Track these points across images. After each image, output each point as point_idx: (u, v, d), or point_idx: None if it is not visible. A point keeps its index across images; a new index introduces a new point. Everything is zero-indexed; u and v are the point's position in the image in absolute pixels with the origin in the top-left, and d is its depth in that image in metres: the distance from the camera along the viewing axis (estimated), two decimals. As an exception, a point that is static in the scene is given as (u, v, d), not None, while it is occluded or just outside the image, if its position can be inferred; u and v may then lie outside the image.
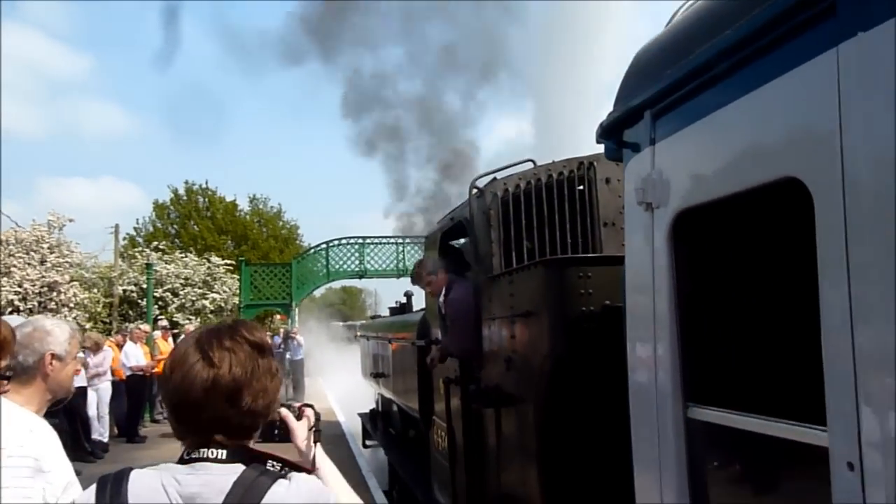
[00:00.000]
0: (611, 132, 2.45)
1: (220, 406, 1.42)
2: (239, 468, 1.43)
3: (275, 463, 1.50)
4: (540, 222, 4.43)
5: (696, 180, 2.01)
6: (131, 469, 1.45)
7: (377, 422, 10.50)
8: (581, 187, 4.53)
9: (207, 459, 1.43)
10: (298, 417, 1.74)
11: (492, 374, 4.31)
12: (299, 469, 1.54)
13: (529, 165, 4.61)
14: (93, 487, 1.44)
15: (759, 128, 1.73)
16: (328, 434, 12.82)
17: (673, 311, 2.08)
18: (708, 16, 2.06)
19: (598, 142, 2.53)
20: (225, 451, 1.44)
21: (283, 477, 1.43)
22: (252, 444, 1.54)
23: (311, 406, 1.77)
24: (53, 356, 2.39)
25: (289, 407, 1.74)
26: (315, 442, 1.71)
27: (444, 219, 5.89)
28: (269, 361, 1.52)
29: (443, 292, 4.97)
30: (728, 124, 1.86)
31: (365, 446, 11.22)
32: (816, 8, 1.54)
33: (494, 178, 4.53)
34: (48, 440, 2.21)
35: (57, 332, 2.45)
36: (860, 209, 1.42)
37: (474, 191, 4.59)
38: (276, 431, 1.71)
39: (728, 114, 1.85)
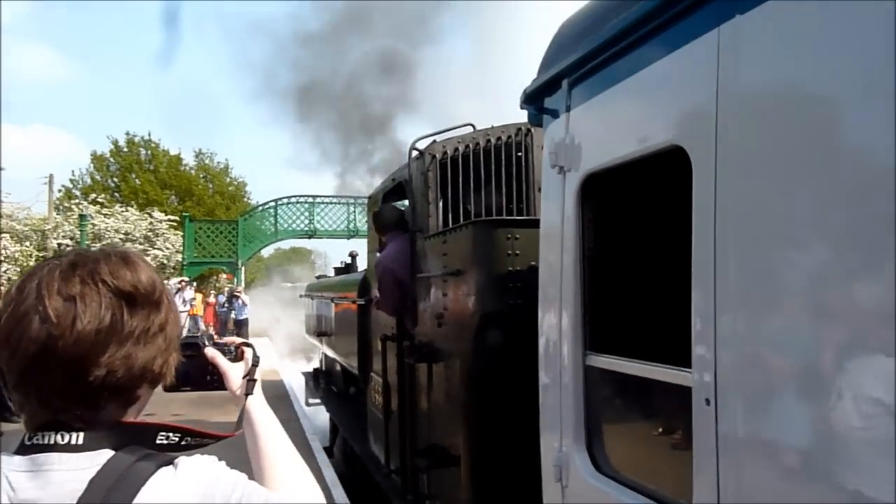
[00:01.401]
0: (533, 99, 2.61)
1: (56, 377, 1.04)
2: (104, 456, 1.06)
3: (171, 436, 1.17)
4: (477, 185, 4.59)
5: (601, 146, 2.19)
6: None
7: (320, 380, 10.68)
8: (519, 153, 4.70)
9: (55, 448, 1.05)
10: (237, 359, 1.45)
11: (425, 331, 4.49)
12: (212, 438, 1.26)
13: (469, 129, 4.75)
14: None
15: (652, 99, 1.91)
16: (272, 394, 12.98)
17: (578, 267, 2.28)
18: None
19: (521, 107, 2.69)
20: (82, 435, 1.06)
21: (170, 463, 1.10)
22: (137, 412, 1.19)
23: (250, 346, 1.49)
24: None
25: (223, 346, 1.47)
26: (247, 392, 1.39)
27: (386, 179, 6.00)
28: (148, 316, 1.12)
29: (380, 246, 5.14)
30: (629, 95, 2.03)
31: (308, 404, 11.40)
32: (702, -8, 1.71)
33: (434, 141, 4.66)
34: None
35: None
36: (728, 177, 1.61)
37: (414, 152, 4.71)
38: (210, 377, 1.44)
39: (629, 85, 2.02)
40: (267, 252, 42.67)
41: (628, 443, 2.34)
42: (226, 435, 1.32)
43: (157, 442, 1.15)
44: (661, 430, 2.22)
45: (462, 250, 3.83)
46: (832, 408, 1.35)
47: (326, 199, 27.74)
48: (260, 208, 28.76)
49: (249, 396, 1.39)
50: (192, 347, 1.42)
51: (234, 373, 1.42)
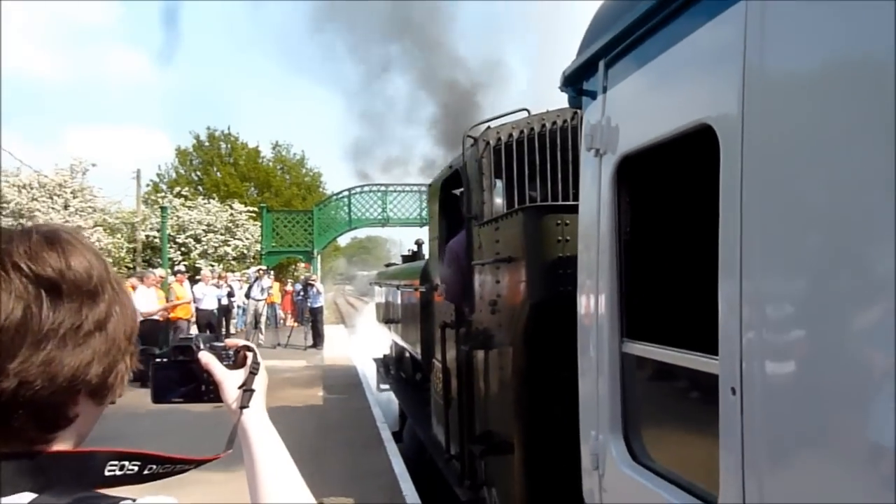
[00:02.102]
0: (572, 81, 2.57)
1: None
2: (21, 501, 0.81)
3: (127, 465, 0.90)
4: (532, 171, 4.56)
5: (635, 127, 2.13)
6: None
7: (389, 366, 10.87)
8: (575, 137, 4.62)
9: None
10: (237, 364, 1.27)
11: (480, 318, 4.51)
12: (188, 463, 1.00)
13: (524, 115, 4.71)
14: None
15: (681, 77, 1.85)
16: (345, 382, 13.23)
17: (614, 252, 2.24)
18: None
19: (560, 90, 2.65)
20: None
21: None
22: (78, 438, 0.92)
23: (251, 349, 1.29)
24: None
25: (221, 350, 1.28)
26: (242, 405, 1.19)
27: (444, 167, 6.03)
28: (79, 310, 0.88)
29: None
30: (660, 74, 1.98)
31: (379, 390, 11.65)
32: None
33: (488, 127, 4.65)
34: None
35: None
36: (754, 157, 1.55)
37: (468, 140, 4.71)
38: (206, 387, 1.26)
39: (660, 64, 1.97)
40: (343, 241, 43.67)
41: (665, 432, 2.29)
42: (207, 459, 1.06)
43: (108, 474, 0.88)
44: (696, 419, 2.17)
45: (513, 237, 3.82)
46: (860, 398, 1.29)
47: (399, 188, 28.03)
48: (334, 198, 29.26)
49: (245, 410, 1.18)
50: (184, 351, 1.27)
51: (230, 382, 1.23)
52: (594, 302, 2.35)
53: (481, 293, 4.54)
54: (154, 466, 0.94)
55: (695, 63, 1.80)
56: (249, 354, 1.27)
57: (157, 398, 1.26)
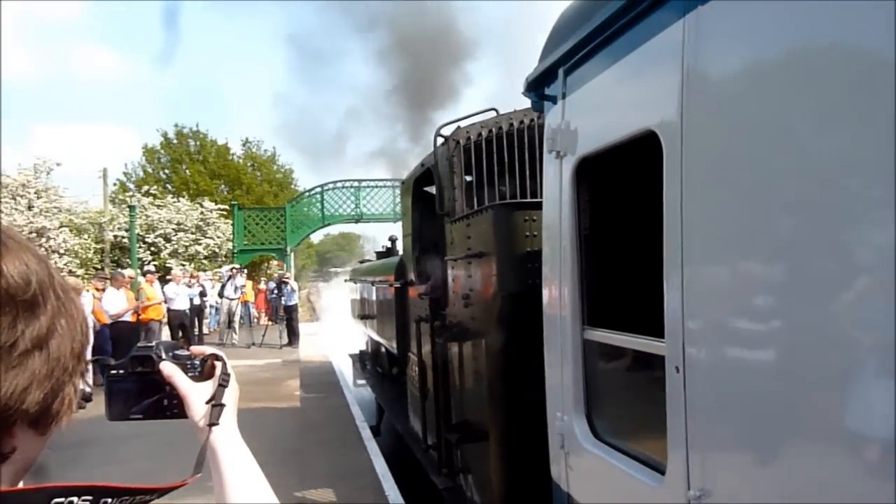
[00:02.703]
0: (534, 87, 2.76)
1: None
2: None
3: (76, 501, 0.75)
4: (500, 169, 4.75)
5: (591, 131, 2.33)
6: None
7: (365, 362, 11.03)
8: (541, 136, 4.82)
9: None
10: (203, 376, 1.16)
11: (454, 312, 4.70)
12: (150, 493, 0.84)
13: (493, 114, 4.90)
14: None
15: (630, 87, 2.05)
16: (322, 380, 13.29)
17: (575, 246, 2.44)
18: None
19: (523, 94, 2.84)
20: None
21: None
22: (15, 475, 0.79)
23: (220, 358, 1.19)
24: None
25: (186, 360, 1.17)
26: (210, 422, 1.09)
27: (416, 166, 6.20)
28: (13, 324, 0.74)
29: None
30: (613, 83, 2.18)
31: (356, 385, 11.79)
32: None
33: (458, 127, 4.83)
34: None
35: None
36: (693, 160, 1.75)
37: (439, 139, 4.89)
38: (168, 401, 1.15)
39: (613, 73, 2.16)
40: (317, 238, 43.57)
41: (623, 410, 2.50)
42: (172, 486, 0.90)
43: None
44: (648, 397, 2.38)
45: (483, 233, 4.01)
46: (790, 375, 1.50)
47: (372, 183, 28.05)
48: (307, 194, 29.18)
49: (214, 427, 1.08)
50: (143, 362, 1.15)
51: (196, 396, 1.11)
52: (557, 293, 2.55)
53: (454, 287, 4.73)
54: (109, 500, 0.80)
55: (642, 73, 2.00)
56: (218, 364, 1.17)
57: (112, 415, 1.15)
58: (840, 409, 1.36)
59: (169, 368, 1.13)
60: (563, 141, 2.47)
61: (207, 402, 1.10)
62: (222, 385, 1.13)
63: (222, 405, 1.11)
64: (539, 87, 2.73)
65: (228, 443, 1.08)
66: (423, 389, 5.62)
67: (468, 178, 4.79)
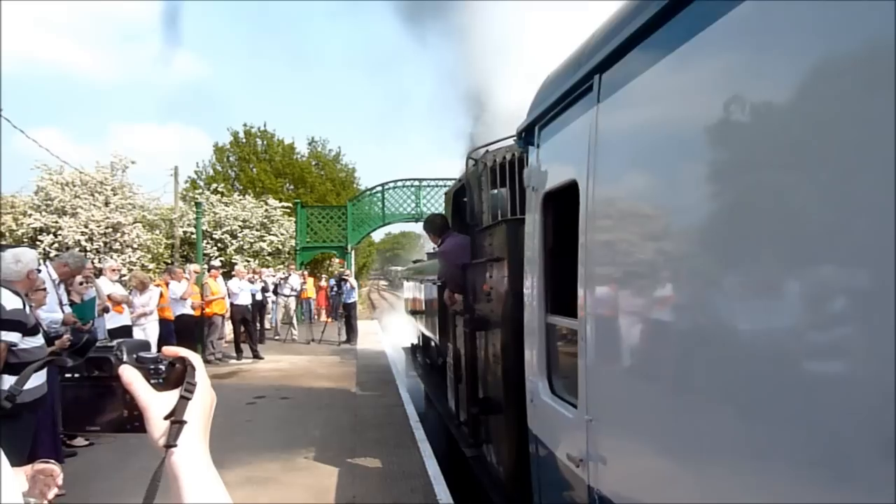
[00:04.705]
0: (521, 136, 3.86)
1: None
2: None
3: None
4: (521, 187, 5.84)
5: (551, 174, 3.41)
6: None
7: (416, 354, 12.25)
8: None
9: None
10: (168, 383, 1.05)
11: (479, 306, 5.81)
12: None
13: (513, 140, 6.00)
14: None
15: (570, 146, 3.13)
16: (375, 378, 14.07)
17: (542, 256, 3.52)
18: (570, 60, 3.41)
19: (515, 141, 3.94)
20: None
21: None
22: None
23: (186, 362, 1.07)
24: None
25: (150, 363, 1.07)
26: (168, 442, 0.97)
27: (456, 180, 7.36)
28: None
29: (439, 244, 6.59)
30: (563, 140, 3.26)
31: (408, 376, 13.04)
32: (584, 86, 2.92)
33: (487, 151, 5.94)
34: None
35: None
36: (596, 203, 2.82)
37: (470, 161, 6.02)
38: (129, 412, 1.05)
39: (565, 132, 3.25)
40: (378, 237, 45.27)
41: (566, 372, 3.57)
42: None
43: None
44: (575, 361, 3.45)
45: (499, 242, 5.11)
46: (642, 348, 2.56)
47: (432, 182, 29.11)
48: (368, 193, 30.45)
49: (172, 449, 0.97)
50: (100, 365, 1.07)
51: (156, 409, 1.01)
52: (532, 289, 3.64)
53: (481, 285, 5.85)
54: None
55: (574, 140, 3.08)
56: (189, 370, 1.05)
57: (67, 426, 1.05)
58: (675, 362, 2.41)
59: (128, 374, 1.02)
60: (536, 179, 3.56)
61: (166, 418, 0.99)
62: (185, 397, 1.01)
63: (183, 422, 0.98)
64: (524, 135, 3.83)
65: (190, 468, 0.96)
66: (457, 373, 6.76)
67: (493, 192, 5.90)
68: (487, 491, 5.44)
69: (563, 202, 3.44)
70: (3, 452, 1.06)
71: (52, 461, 1.49)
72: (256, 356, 16.73)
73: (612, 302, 2.69)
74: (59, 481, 1.54)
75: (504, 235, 5.00)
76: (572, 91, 3.06)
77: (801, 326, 1.56)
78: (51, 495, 1.50)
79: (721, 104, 1.84)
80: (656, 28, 2.27)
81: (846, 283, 1.42)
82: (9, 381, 5.29)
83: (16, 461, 1.22)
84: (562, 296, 3.53)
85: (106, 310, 9.51)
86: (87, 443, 8.40)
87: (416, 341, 12.81)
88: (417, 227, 40.58)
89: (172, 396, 1.02)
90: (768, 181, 1.67)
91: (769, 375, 1.62)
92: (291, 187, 38.07)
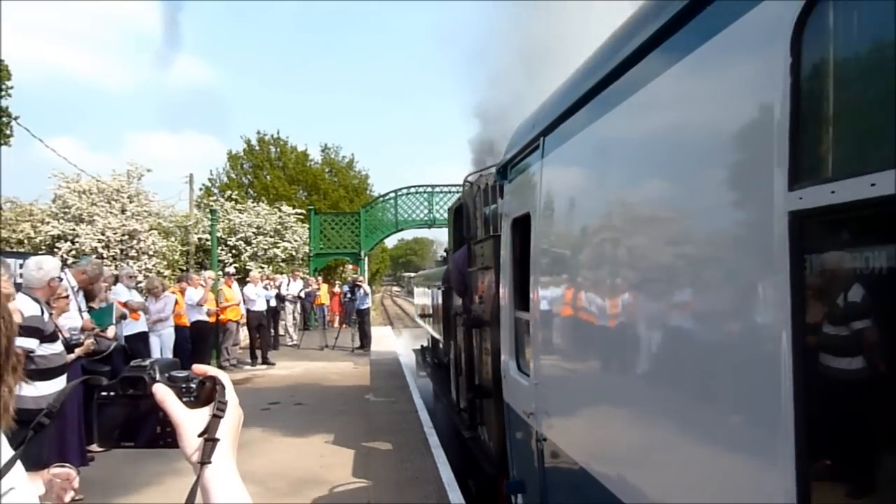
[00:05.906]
0: (499, 171, 5.11)
1: None
2: None
3: None
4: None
5: (516, 205, 4.66)
6: None
7: (426, 355, 13.51)
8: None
9: None
10: (199, 401, 1.12)
11: (475, 307, 7.06)
12: None
13: (507, 163, 7.23)
14: None
15: (525, 184, 4.38)
16: (388, 384, 14.62)
17: (511, 266, 4.77)
18: (529, 120, 4.66)
19: (494, 173, 5.19)
20: None
21: None
22: None
23: (216, 381, 1.14)
24: None
25: (182, 382, 1.12)
26: (202, 459, 1.05)
27: (457, 198, 8.62)
28: None
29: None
30: (522, 179, 4.51)
31: (418, 376, 14.26)
32: (534, 144, 4.17)
33: (480, 174, 7.19)
34: None
35: None
36: (542, 231, 4.06)
37: (467, 184, 7.27)
38: (162, 429, 1.10)
39: (524, 175, 4.49)
40: (391, 243, 46.41)
41: (525, 353, 4.81)
42: None
43: None
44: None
45: (489, 253, 6.35)
46: (572, 326, 3.79)
47: (445, 188, 29.68)
48: (381, 199, 31.26)
49: (207, 466, 1.04)
50: (134, 383, 1.13)
51: (190, 425, 1.07)
52: (505, 291, 4.89)
53: (476, 290, 7.09)
54: None
55: (527, 182, 4.32)
56: (219, 389, 1.12)
57: (101, 442, 1.15)
58: (591, 341, 3.64)
59: (161, 392, 1.09)
60: (507, 207, 4.82)
61: (200, 436, 1.06)
62: (217, 416, 1.09)
63: (216, 440, 1.06)
64: (500, 171, 5.08)
65: (223, 484, 1.04)
66: (458, 367, 8.01)
67: (486, 211, 7.15)
68: (481, 464, 6.68)
69: (524, 227, 4.70)
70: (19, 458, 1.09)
71: (69, 465, 1.56)
72: (266, 362, 17.26)
73: (549, 300, 3.93)
74: (76, 485, 1.62)
75: (492, 248, 6.25)
76: (527, 146, 4.31)
77: (663, 309, 2.80)
78: (67, 499, 1.56)
79: (620, 165, 3.09)
80: (581, 106, 3.46)
81: (701, 280, 2.66)
82: (27, 387, 5.00)
83: (32, 466, 1.27)
84: (525, 296, 4.78)
85: (123, 316, 9.87)
86: (103, 448, 9.18)
87: (426, 343, 14.06)
88: (430, 234, 41.72)
89: (203, 414, 1.09)
90: (647, 216, 2.91)
91: (648, 349, 2.87)
92: (305, 194, 39.13)
